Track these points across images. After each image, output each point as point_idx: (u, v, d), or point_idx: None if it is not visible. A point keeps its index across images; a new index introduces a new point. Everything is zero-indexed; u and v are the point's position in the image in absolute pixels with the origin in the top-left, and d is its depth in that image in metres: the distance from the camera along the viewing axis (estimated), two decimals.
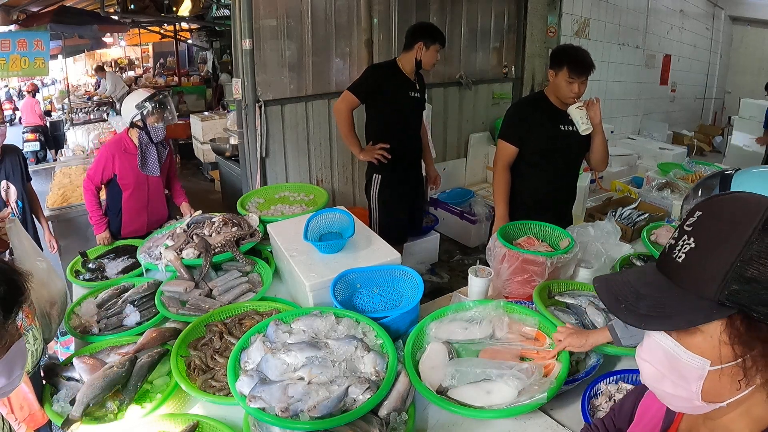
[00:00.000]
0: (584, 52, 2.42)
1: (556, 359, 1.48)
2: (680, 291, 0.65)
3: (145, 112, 2.76)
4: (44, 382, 1.54)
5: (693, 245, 0.65)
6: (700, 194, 1.56)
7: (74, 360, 1.55)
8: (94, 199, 2.85)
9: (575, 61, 2.37)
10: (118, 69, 14.19)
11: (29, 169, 3.30)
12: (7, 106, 11.65)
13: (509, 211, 2.51)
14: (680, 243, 0.67)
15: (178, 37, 12.01)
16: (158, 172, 2.88)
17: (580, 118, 2.37)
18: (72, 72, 12.90)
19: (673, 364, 0.67)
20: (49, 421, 1.50)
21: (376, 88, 3.00)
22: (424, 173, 3.61)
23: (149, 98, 2.77)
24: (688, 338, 0.66)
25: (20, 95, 12.12)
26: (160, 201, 3.00)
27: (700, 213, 0.67)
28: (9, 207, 3.01)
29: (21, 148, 3.46)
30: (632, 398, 0.96)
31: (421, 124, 3.25)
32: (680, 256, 0.66)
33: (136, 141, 2.82)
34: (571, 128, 2.45)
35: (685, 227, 0.67)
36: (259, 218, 2.40)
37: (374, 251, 1.97)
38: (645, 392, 0.91)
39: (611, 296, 0.70)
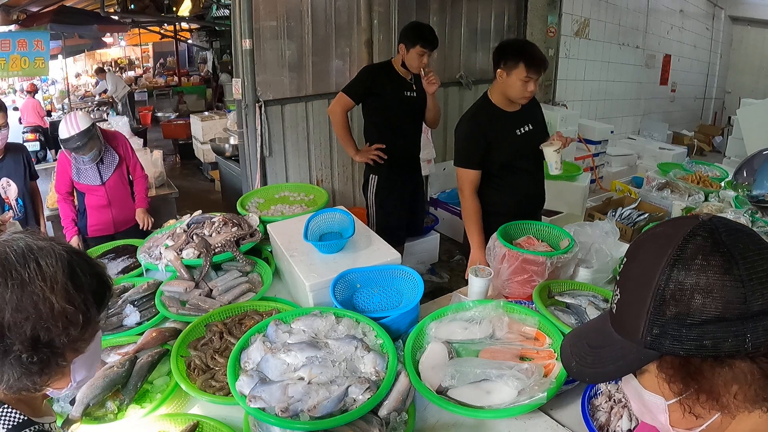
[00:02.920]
0: (536, 46, 2.25)
1: (556, 359, 1.48)
2: (619, 339, 0.67)
3: (63, 147, 2.84)
4: None
5: (619, 295, 0.68)
6: (745, 174, 1.58)
7: None
8: (63, 205, 3.02)
9: (533, 57, 2.17)
10: (118, 69, 14.19)
11: (34, 168, 3.36)
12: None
13: (486, 228, 2.29)
14: (614, 293, 0.69)
15: (178, 37, 12.02)
16: (99, 182, 2.96)
17: (555, 161, 2.29)
18: (72, 72, 12.89)
19: (642, 401, 0.70)
20: None
21: (371, 89, 3.00)
22: (425, 173, 3.61)
23: (65, 140, 2.77)
24: (642, 378, 0.68)
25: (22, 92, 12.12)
26: (125, 202, 3.09)
27: (625, 259, 0.69)
28: (11, 211, 3.04)
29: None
30: None
31: (419, 124, 3.23)
32: (614, 307, 0.69)
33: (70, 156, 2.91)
34: (527, 128, 2.34)
35: (617, 276, 0.70)
36: (259, 218, 2.40)
37: (374, 251, 1.97)
38: None
39: (569, 355, 0.74)
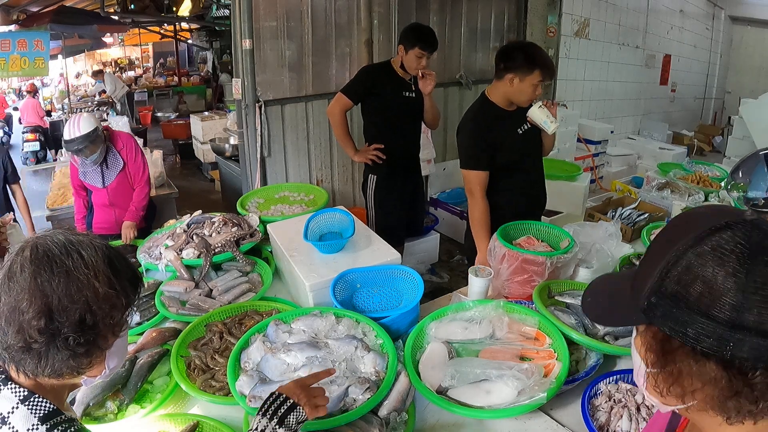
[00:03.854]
0: (543, 50, 2.26)
1: (556, 359, 1.48)
2: (629, 292, 0.69)
3: (66, 148, 2.83)
4: None
5: (644, 255, 0.71)
6: (740, 174, 1.58)
7: None
8: (76, 199, 3.08)
9: (547, 64, 2.18)
10: (118, 69, 14.19)
11: (11, 170, 3.51)
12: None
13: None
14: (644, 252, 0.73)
15: (178, 37, 12.02)
16: (101, 184, 2.96)
17: (546, 116, 2.22)
18: (72, 72, 12.89)
19: (634, 357, 0.73)
20: None
21: (369, 90, 3.00)
22: (425, 173, 3.60)
23: (68, 142, 2.74)
24: (636, 337, 0.72)
25: (20, 95, 12.13)
26: (128, 203, 3.05)
27: (666, 225, 0.72)
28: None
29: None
30: None
31: (419, 124, 3.23)
32: (638, 264, 0.72)
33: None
34: (526, 127, 2.33)
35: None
36: (259, 218, 2.40)
37: (374, 251, 1.97)
38: None
39: (590, 291, 0.78)
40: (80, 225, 3.05)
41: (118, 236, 2.88)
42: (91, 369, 0.91)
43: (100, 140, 2.82)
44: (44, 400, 0.87)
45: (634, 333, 0.73)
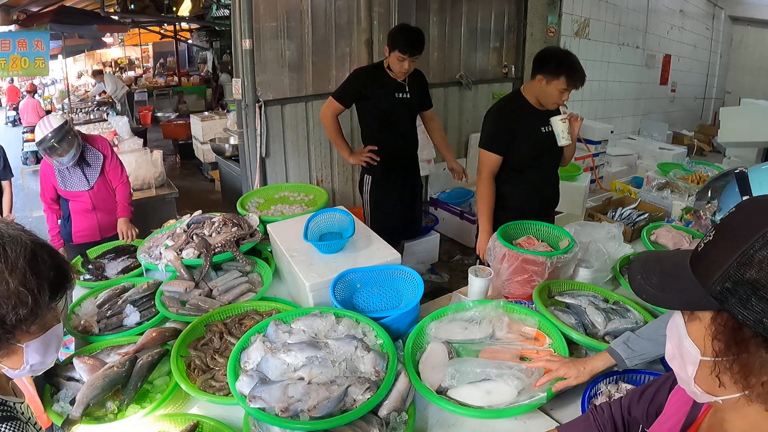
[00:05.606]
0: (578, 61, 2.31)
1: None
2: (691, 278, 0.66)
3: (41, 151, 2.71)
4: (44, 382, 1.54)
5: (711, 238, 0.67)
6: (710, 195, 1.54)
7: (74, 360, 1.55)
8: (49, 214, 2.96)
9: (575, 73, 2.26)
10: (118, 69, 14.19)
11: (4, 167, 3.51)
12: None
13: (495, 217, 2.40)
14: (707, 235, 0.68)
15: (178, 37, 12.02)
16: (86, 187, 2.87)
17: (561, 131, 2.36)
18: (72, 72, 12.90)
19: (680, 345, 0.70)
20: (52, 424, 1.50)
21: (360, 92, 2.99)
22: (425, 173, 3.60)
23: (40, 142, 2.66)
24: (690, 324, 0.68)
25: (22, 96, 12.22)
26: (111, 206, 2.96)
27: (734, 210, 0.68)
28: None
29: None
30: (665, 389, 0.97)
31: (414, 124, 3.23)
32: (701, 246, 0.68)
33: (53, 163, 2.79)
34: (550, 129, 2.42)
35: (718, 222, 0.69)
36: (259, 218, 2.40)
37: (374, 251, 1.97)
38: (675, 384, 0.91)
39: (639, 268, 0.73)
40: (56, 241, 2.92)
41: (101, 242, 2.76)
42: (4, 361, 0.92)
43: (73, 136, 2.72)
44: None
45: (680, 320, 0.70)
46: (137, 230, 2.81)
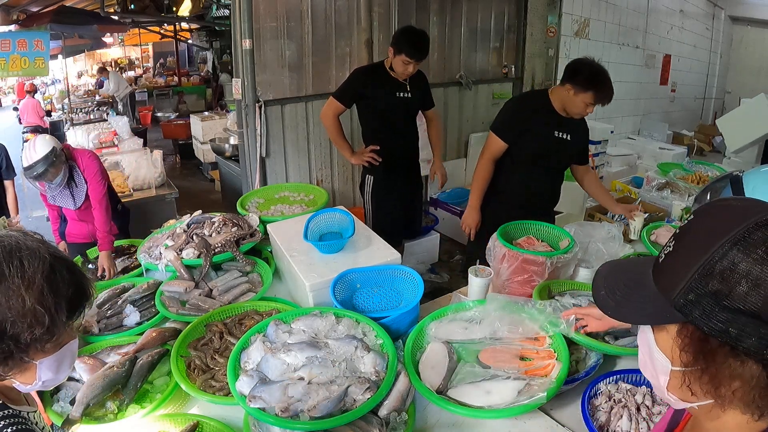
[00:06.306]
0: (609, 79, 2.34)
1: (556, 359, 1.47)
2: (654, 288, 0.66)
3: (29, 180, 2.63)
4: None
5: (671, 247, 0.66)
6: (708, 197, 1.54)
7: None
8: (50, 212, 2.96)
9: (604, 90, 2.30)
10: (118, 69, 14.19)
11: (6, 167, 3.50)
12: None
13: (491, 207, 2.53)
14: (667, 245, 0.68)
15: (178, 37, 12.01)
16: (73, 206, 2.78)
17: (634, 228, 2.44)
18: (73, 72, 12.90)
19: (650, 354, 0.70)
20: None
21: (361, 92, 2.99)
22: (425, 173, 3.60)
23: (26, 169, 2.55)
24: (658, 335, 0.68)
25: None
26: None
27: (692, 217, 0.67)
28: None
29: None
30: None
31: (414, 124, 3.22)
32: (662, 257, 0.67)
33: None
34: (565, 136, 2.45)
35: (677, 230, 0.68)
36: (259, 218, 2.40)
37: (374, 251, 1.97)
38: None
39: (602, 282, 0.73)
40: (56, 236, 2.93)
41: (92, 245, 2.66)
42: (17, 377, 0.89)
43: (61, 160, 2.60)
44: None
45: (648, 331, 0.69)
46: (117, 269, 2.49)
